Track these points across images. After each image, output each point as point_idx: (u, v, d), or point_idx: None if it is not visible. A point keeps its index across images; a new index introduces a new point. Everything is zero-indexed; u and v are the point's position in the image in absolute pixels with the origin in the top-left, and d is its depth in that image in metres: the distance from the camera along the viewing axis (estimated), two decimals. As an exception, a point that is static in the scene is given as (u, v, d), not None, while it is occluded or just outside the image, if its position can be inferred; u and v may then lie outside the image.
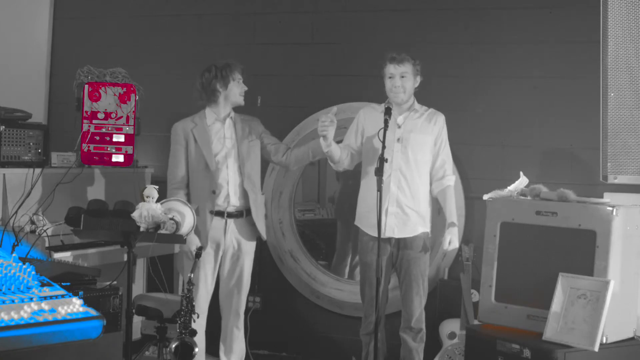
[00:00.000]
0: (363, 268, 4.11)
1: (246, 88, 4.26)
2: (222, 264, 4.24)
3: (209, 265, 4.19)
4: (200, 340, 4.13)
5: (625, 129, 3.93)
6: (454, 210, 4.10)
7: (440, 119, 4.13)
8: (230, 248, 4.21)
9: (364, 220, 4.09)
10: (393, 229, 4.01)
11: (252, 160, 4.24)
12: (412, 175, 4.04)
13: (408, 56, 4.03)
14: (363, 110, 4.20)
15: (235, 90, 4.20)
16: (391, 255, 4.06)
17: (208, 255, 4.16)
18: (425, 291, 4.10)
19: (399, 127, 4.05)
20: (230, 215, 4.17)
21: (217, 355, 4.37)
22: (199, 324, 4.07)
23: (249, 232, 4.25)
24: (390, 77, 4.02)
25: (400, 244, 4.05)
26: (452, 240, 4.03)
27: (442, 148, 4.13)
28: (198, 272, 4.12)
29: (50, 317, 2.51)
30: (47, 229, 4.07)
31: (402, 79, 4.01)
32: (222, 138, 4.20)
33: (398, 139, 4.03)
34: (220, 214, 4.15)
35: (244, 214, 4.21)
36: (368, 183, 4.03)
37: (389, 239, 4.02)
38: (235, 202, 4.18)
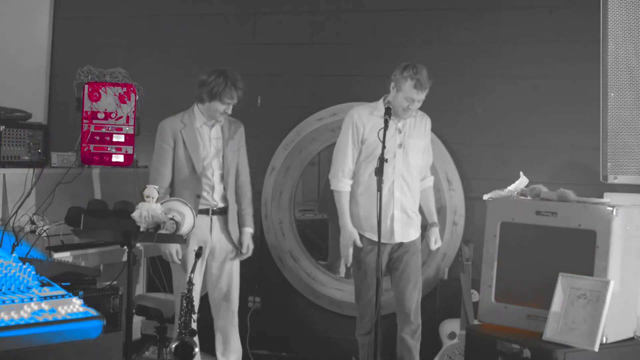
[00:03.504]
0: (362, 268, 4.08)
1: (229, 112, 4.09)
2: (210, 262, 4.21)
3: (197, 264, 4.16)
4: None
5: (625, 129, 3.93)
6: (434, 210, 4.22)
7: (429, 121, 4.17)
8: (217, 246, 4.19)
9: (364, 224, 4.05)
10: (401, 234, 4.04)
11: (232, 171, 4.21)
12: (412, 180, 4.07)
13: (430, 81, 3.92)
14: (357, 114, 4.06)
15: (216, 108, 4.05)
16: (388, 258, 4.07)
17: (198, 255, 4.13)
18: (421, 287, 4.13)
19: (400, 132, 4.04)
20: (214, 212, 4.16)
21: (212, 352, 4.35)
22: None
23: (236, 229, 4.24)
24: (407, 99, 3.91)
25: (398, 244, 4.07)
26: (437, 239, 4.16)
27: (429, 150, 4.20)
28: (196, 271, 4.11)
29: (50, 317, 2.51)
30: (47, 229, 4.07)
31: (418, 103, 3.95)
32: (209, 143, 4.14)
33: (399, 145, 4.02)
34: (205, 211, 4.13)
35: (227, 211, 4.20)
36: (367, 186, 4.01)
37: (390, 243, 4.04)
38: (221, 204, 4.17)
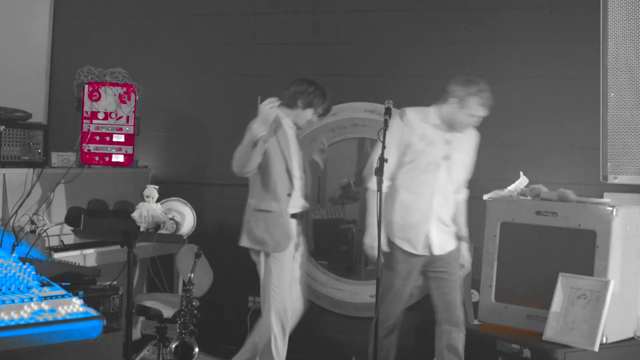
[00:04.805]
0: (391, 275, 3.93)
1: (315, 121, 4.20)
2: (294, 266, 4.16)
3: (292, 266, 4.15)
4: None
5: (625, 129, 3.94)
6: (464, 224, 4.03)
7: (477, 136, 4.02)
8: (299, 247, 4.17)
9: (399, 234, 3.91)
10: (439, 246, 3.88)
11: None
12: (451, 192, 3.93)
13: None
14: (411, 116, 3.89)
15: (306, 116, 4.10)
16: (422, 269, 3.99)
17: (291, 256, 4.12)
18: None
19: (448, 144, 3.88)
20: (294, 216, 4.10)
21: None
22: None
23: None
24: (472, 115, 3.83)
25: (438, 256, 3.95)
26: (468, 257, 4.03)
27: (471, 165, 4.03)
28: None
29: (50, 317, 2.51)
30: (47, 229, 4.08)
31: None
32: (295, 146, 4.14)
33: (445, 157, 3.87)
34: (294, 216, 4.09)
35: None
36: (408, 196, 3.87)
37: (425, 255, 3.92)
38: (301, 205, 4.15)
